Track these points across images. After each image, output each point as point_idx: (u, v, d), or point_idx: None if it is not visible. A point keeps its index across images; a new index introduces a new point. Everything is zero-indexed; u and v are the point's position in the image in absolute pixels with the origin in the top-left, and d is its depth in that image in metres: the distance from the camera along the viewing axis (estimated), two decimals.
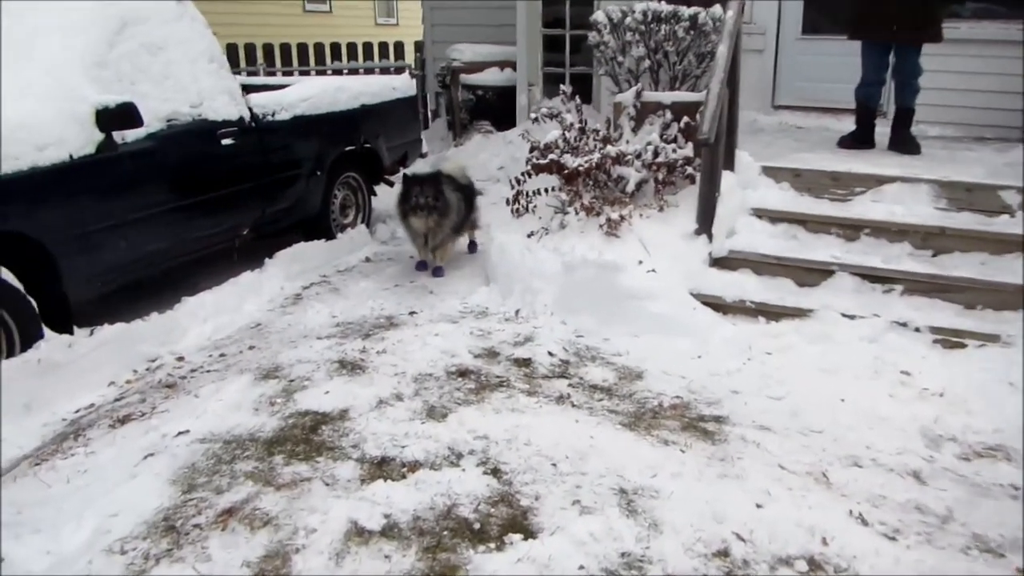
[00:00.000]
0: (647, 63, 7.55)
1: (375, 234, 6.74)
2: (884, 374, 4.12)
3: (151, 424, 3.61)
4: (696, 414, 3.76)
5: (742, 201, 5.34)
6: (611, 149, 5.21)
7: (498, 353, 4.40)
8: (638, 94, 5.75)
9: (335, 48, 12.47)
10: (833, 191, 5.40)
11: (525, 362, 4.29)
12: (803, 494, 3.14)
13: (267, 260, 5.56)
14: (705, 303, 4.80)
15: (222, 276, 5.25)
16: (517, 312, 4.95)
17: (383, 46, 12.69)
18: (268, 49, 12.22)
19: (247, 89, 7.54)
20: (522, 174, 5.42)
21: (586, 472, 3.24)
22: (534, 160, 5.36)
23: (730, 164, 5.45)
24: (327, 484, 3.16)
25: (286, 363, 4.26)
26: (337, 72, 12.12)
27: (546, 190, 5.53)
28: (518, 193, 5.55)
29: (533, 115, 5.77)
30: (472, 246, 6.25)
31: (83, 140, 4.13)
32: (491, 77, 9.96)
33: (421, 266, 5.84)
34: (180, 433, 3.51)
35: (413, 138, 7.33)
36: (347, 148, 6.25)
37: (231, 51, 12.12)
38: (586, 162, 5.13)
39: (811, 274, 4.86)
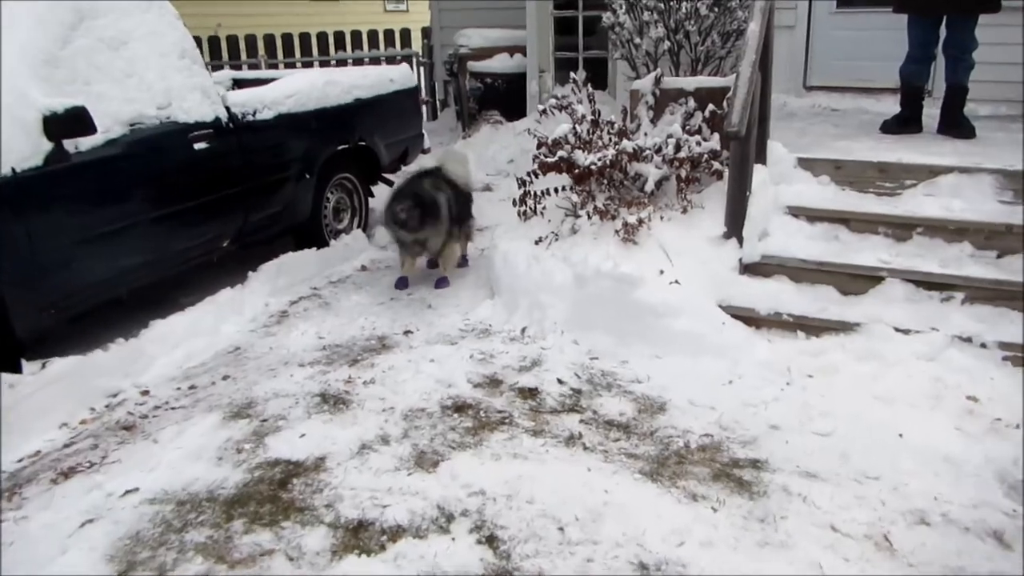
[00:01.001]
0: (667, 45, 6.96)
1: (373, 238, 6.21)
2: (947, 401, 3.55)
3: (96, 480, 3.13)
4: (729, 457, 3.22)
5: (776, 198, 4.76)
6: (627, 144, 4.65)
7: (501, 381, 3.88)
8: (657, 80, 5.17)
9: (339, 37, 11.95)
10: (880, 184, 4.80)
11: (531, 392, 3.76)
12: (863, 565, 2.60)
13: (250, 274, 5.07)
14: (736, 317, 4.25)
15: (198, 294, 4.76)
16: (523, 330, 4.42)
17: (389, 34, 12.14)
18: (270, 40, 11.72)
19: (240, 83, 7.13)
20: (528, 173, 4.86)
21: (599, 540, 2.72)
22: (541, 158, 4.81)
23: (762, 157, 4.87)
24: (291, 559, 2.67)
25: (261, 397, 3.77)
26: (342, 63, 11.63)
27: (556, 189, 4.97)
28: (525, 194, 5.00)
29: (541, 106, 5.21)
30: (462, 260, 5.63)
31: (28, 151, 3.63)
32: (500, 64, 9.39)
33: (401, 283, 5.23)
34: (128, 492, 3.03)
35: (414, 133, 6.79)
36: (339, 147, 5.73)
37: (231, 43, 11.67)
38: (599, 159, 4.57)
39: (856, 281, 4.29)
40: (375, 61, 11.42)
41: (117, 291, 4.22)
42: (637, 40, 7.10)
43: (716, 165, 4.70)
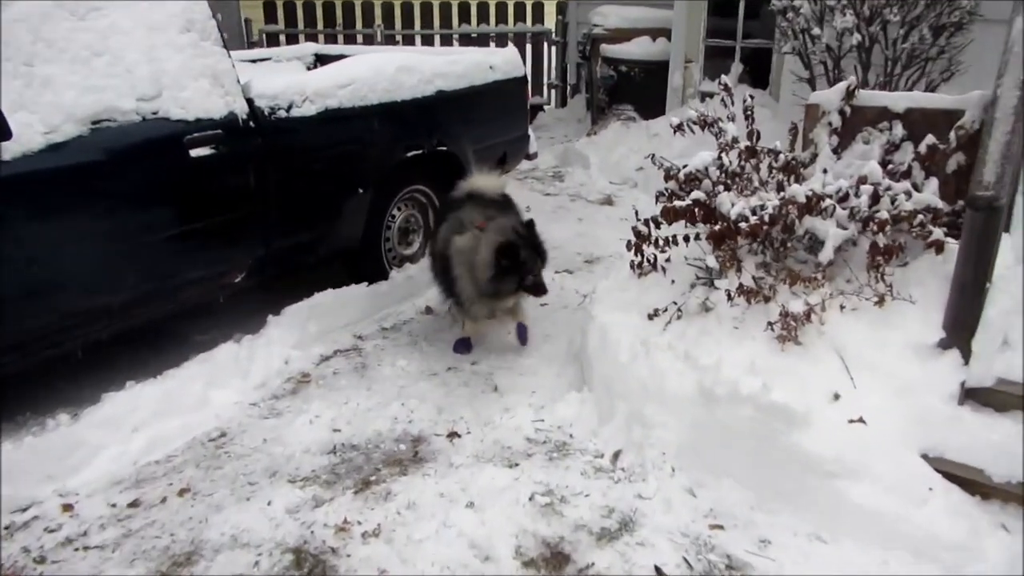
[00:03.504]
0: (855, 39, 5.29)
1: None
2: None
3: None
4: None
5: None
6: (798, 190, 3.12)
7: (567, 557, 2.52)
8: (848, 92, 3.58)
9: (464, 8, 10.69)
10: None
11: None
12: None
13: (270, 318, 3.88)
14: (950, 477, 2.71)
15: (191, 350, 3.61)
16: (616, 456, 3.03)
17: (519, 7, 10.77)
18: (388, 9, 10.61)
19: (323, 60, 5.98)
20: (648, 221, 3.41)
21: None
22: (667, 197, 3.36)
23: (1006, 220, 3.22)
24: None
25: (212, 543, 2.57)
26: (465, 37, 10.40)
27: (687, 238, 3.50)
28: (641, 240, 3.54)
29: (675, 120, 3.73)
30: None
31: None
32: (639, 49, 7.88)
33: (462, 347, 3.95)
34: None
35: (516, 135, 5.42)
36: (410, 153, 4.45)
37: (347, 10, 10.65)
38: (754, 212, 3.07)
39: None
40: (502, 38, 10.13)
41: (63, 348, 3.11)
42: (816, 30, 5.46)
43: (936, 233, 3.08)
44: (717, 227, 3.13)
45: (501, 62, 5.15)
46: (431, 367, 3.79)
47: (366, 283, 4.35)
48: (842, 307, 3.06)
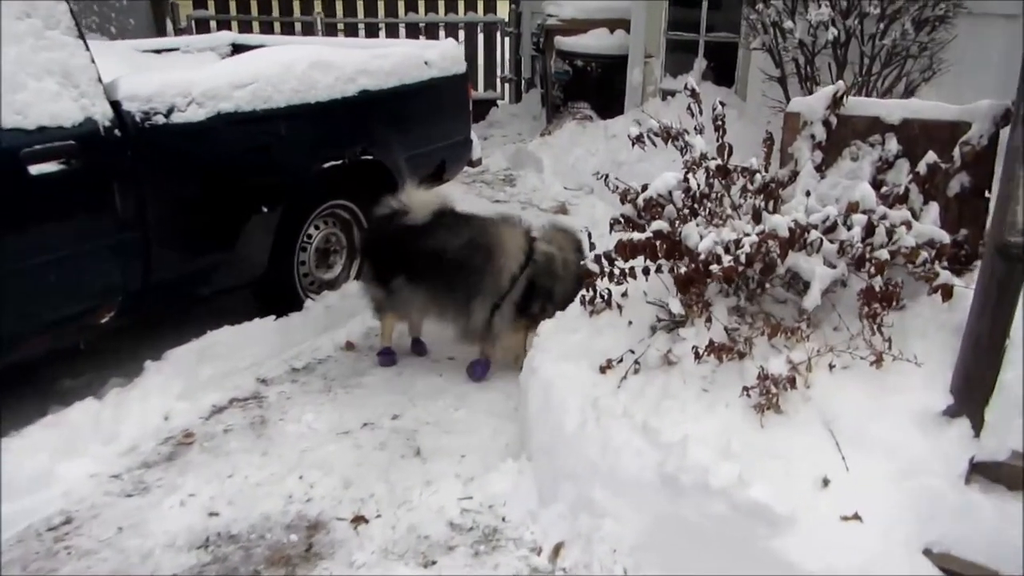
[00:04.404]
0: (832, 33, 4.79)
1: None
2: None
3: None
4: None
5: None
6: (779, 221, 2.56)
7: None
8: (835, 100, 3.04)
9: None
10: None
11: None
12: None
13: (148, 364, 3.24)
14: None
15: (49, 403, 2.98)
16: (557, 551, 2.46)
17: None
18: None
19: (239, 50, 5.28)
20: (599, 257, 2.84)
21: None
22: (623, 228, 2.80)
23: None
24: None
25: None
26: (413, 27, 9.75)
27: (647, 271, 2.94)
28: (593, 276, 2.97)
29: (635, 130, 3.16)
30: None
31: None
32: (595, 42, 7.32)
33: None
34: None
35: (456, 139, 4.80)
36: (328, 163, 3.83)
37: None
38: (727, 250, 2.51)
39: None
40: (452, 27, 9.51)
41: None
42: (788, 24, 4.94)
43: (943, 276, 2.56)
44: (684, 269, 2.56)
45: (438, 57, 4.53)
46: (344, 422, 3.18)
47: (274, 316, 3.72)
48: (831, 366, 2.52)
